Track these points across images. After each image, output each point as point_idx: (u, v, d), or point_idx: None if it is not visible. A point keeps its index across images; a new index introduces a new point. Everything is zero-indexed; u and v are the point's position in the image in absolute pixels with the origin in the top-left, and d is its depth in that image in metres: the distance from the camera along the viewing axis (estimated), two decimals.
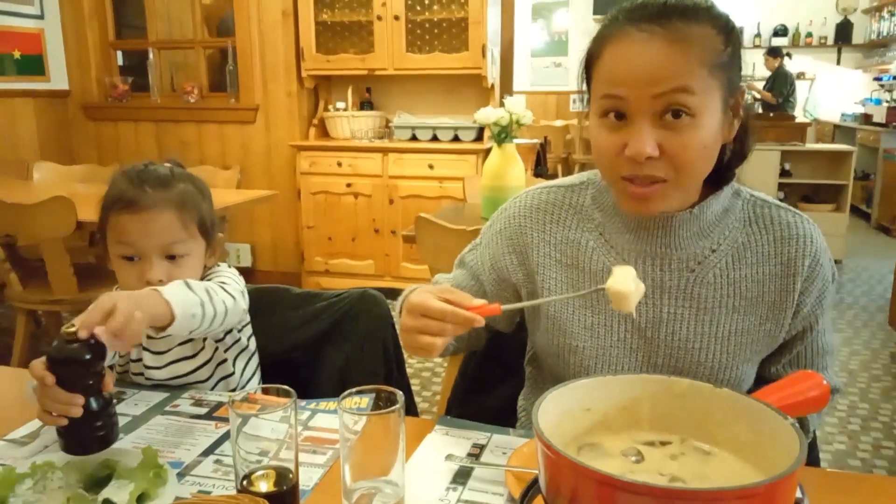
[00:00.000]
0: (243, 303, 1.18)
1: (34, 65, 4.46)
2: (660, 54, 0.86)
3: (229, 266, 1.28)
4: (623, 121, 0.89)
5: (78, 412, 0.87)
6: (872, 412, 2.90)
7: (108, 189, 1.19)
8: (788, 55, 7.24)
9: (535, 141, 4.85)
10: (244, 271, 1.29)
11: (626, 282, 0.85)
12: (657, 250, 0.99)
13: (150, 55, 4.61)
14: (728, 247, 0.99)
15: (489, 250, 1.12)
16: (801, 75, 8.04)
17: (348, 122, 4.32)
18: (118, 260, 1.16)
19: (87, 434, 0.90)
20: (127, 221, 1.14)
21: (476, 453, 0.96)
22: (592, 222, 1.05)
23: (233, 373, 1.26)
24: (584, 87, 0.97)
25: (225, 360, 1.24)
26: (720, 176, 0.97)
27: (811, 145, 5.95)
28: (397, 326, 1.00)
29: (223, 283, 1.15)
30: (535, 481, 0.61)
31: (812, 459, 1.15)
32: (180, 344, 1.21)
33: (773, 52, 7.14)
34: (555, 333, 1.06)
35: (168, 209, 1.15)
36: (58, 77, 4.60)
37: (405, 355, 1.43)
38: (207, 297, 1.07)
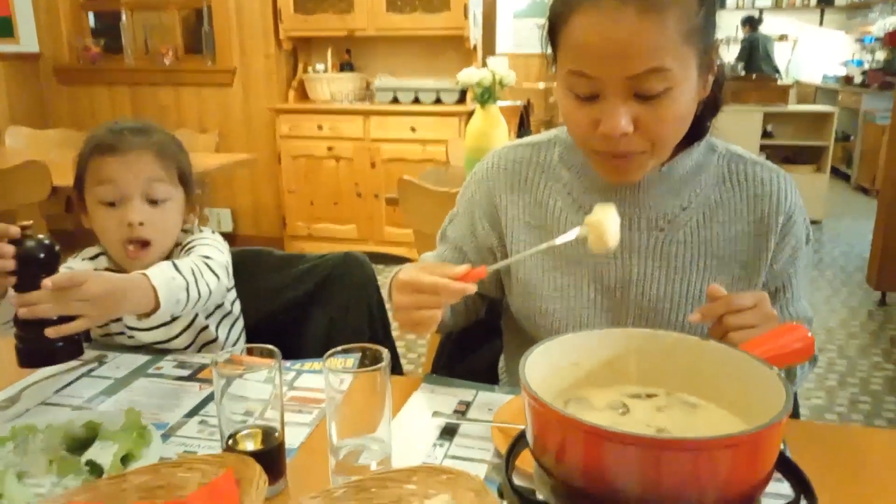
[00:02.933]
0: (227, 280, 1.17)
1: (3, 27, 4.32)
2: (632, 28, 0.79)
3: (213, 231, 1.26)
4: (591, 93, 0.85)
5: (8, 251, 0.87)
6: (850, 368, 2.96)
7: (85, 143, 1.18)
8: (759, 20, 7.23)
9: (519, 103, 4.80)
10: (225, 236, 1.28)
11: (606, 216, 0.84)
12: (625, 209, 0.97)
13: (123, 16, 4.49)
14: (699, 205, 0.98)
15: (466, 219, 1.11)
16: (783, 37, 8.02)
17: (328, 84, 4.25)
18: (98, 208, 1.15)
19: (46, 344, 0.89)
20: (108, 163, 1.13)
21: (462, 410, 0.97)
22: (560, 182, 1.03)
23: (216, 338, 1.25)
24: (549, 51, 0.92)
25: (206, 327, 1.23)
26: (692, 130, 0.93)
27: (793, 107, 5.96)
28: (388, 308, 0.98)
29: (207, 257, 1.13)
30: (522, 436, 0.61)
31: (792, 414, 1.16)
32: None
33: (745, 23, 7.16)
34: (525, 297, 1.06)
35: (148, 152, 1.15)
36: (28, 39, 4.46)
37: (389, 316, 1.43)
38: (193, 279, 1.06)
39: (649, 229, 0.98)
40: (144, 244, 1.15)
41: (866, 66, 7.23)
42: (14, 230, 0.89)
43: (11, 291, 0.90)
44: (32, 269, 0.88)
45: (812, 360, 1.05)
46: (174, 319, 1.19)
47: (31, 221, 0.91)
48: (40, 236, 0.90)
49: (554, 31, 0.89)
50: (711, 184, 0.98)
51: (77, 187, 1.18)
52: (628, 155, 0.88)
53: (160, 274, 1.01)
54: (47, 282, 0.86)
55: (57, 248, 0.91)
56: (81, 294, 0.89)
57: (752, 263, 0.99)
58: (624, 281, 1.00)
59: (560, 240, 0.91)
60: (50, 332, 0.88)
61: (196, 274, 1.07)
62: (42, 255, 0.89)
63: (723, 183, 0.98)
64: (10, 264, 0.88)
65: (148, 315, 1.00)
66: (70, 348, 0.92)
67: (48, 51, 4.54)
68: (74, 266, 1.20)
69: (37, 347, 0.90)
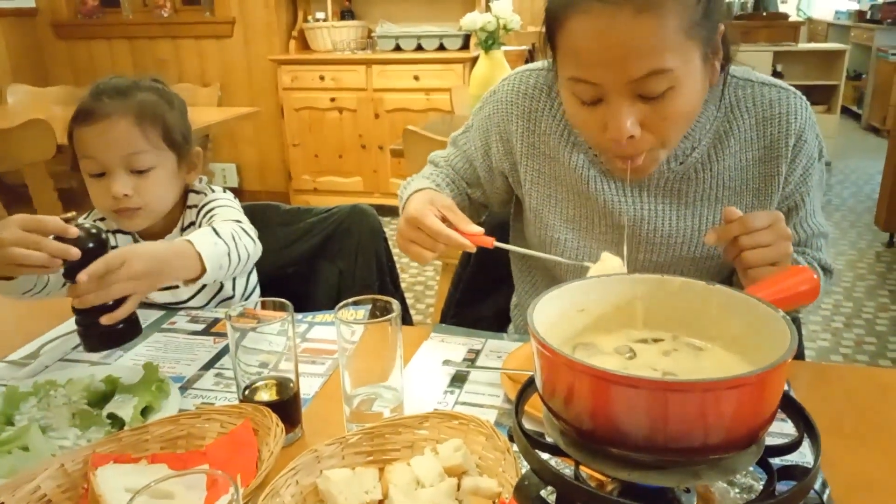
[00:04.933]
0: (259, 242, 1.16)
1: None
2: (629, 31, 0.76)
3: (225, 190, 1.26)
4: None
5: (76, 253, 0.87)
6: (856, 310, 2.97)
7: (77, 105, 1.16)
8: None
9: (524, 48, 4.71)
10: (231, 191, 1.27)
11: (609, 270, 0.84)
12: None
13: None
14: (709, 140, 0.96)
15: (480, 135, 1.10)
16: None
17: (329, 32, 4.18)
18: (87, 177, 1.14)
19: (106, 328, 0.91)
20: (86, 134, 1.11)
21: (472, 358, 0.98)
22: None
23: (232, 295, 1.26)
24: (549, 51, 0.89)
25: (222, 287, 1.24)
26: None
27: (804, 45, 5.83)
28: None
29: (239, 221, 1.14)
30: (531, 382, 0.63)
31: (797, 354, 1.18)
32: None
33: None
34: (537, 226, 1.07)
35: (125, 118, 1.11)
36: None
37: (398, 268, 1.44)
38: (234, 244, 1.06)
39: (660, 169, 0.97)
40: (133, 210, 1.13)
41: (880, 1, 7.02)
42: (73, 231, 0.88)
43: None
44: (85, 258, 0.88)
45: (828, 274, 1.05)
46: (203, 285, 1.20)
47: (73, 213, 0.92)
48: (87, 225, 0.90)
49: (551, 34, 0.86)
50: (720, 116, 0.96)
51: (72, 151, 1.17)
52: (638, 155, 0.87)
53: (203, 240, 1.02)
54: (82, 275, 0.86)
55: (104, 235, 0.91)
56: (126, 274, 0.89)
57: (765, 189, 0.98)
58: (636, 218, 1.00)
59: (565, 261, 0.99)
60: (104, 319, 0.90)
61: (236, 239, 1.07)
62: (91, 245, 0.89)
63: (731, 111, 0.97)
64: (76, 253, 0.87)
65: (194, 280, 1.02)
66: (130, 328, 0.94)
67: (45, 6, 4.47)
68: (86, 224, 1.21)
69: (97, 332, 0.91)
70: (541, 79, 1.03)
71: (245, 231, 1.12)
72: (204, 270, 1.00)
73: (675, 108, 0.82)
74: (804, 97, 0.98)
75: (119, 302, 0.91)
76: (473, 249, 0.90)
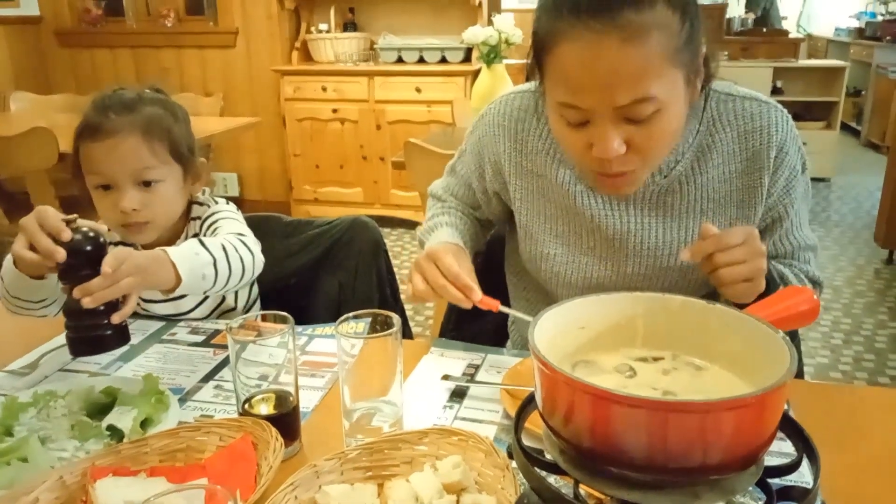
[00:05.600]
0: (261, 255, 1.16)
1: None
2: (615, 59, 0.79)
3: (228, 202, 1.26)
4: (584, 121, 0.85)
5: (61, 255, 0.87)
6: (855, 326, 2.97)
7: (80, 122, 1.15)
8: None
9: (525, 61, 4.74)
10: (231, 201, 1.27)
11: None
12: None
13: None
14: (692, 153, 0.98)
15: (473, 158, 1.14)
16: None
17: (332, 44, 4.20)
18: (94, 190, 1.14)
19: (94, 334, 0.90)
20: (93, 150, 1.11)
21: (471, 373, 0.99)
22: None
23: (234, 307, 1.26)
24: (537, 74, 0.91)
25: (224, 298, 1.24)
26: None
27: (804, 61, 5.87)
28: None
29: (241, 234, 1.13)
30: (531, 398, 0.63)
31: (796, 374, 1.18)
32: None
33: None
34: (528, 242, 1.10)
35: (133, 134, 1.11)
36: (28, 2, 4.42)
37: (398, 280, 1.44)
38: (223, 255, 1.05)
39: (646, 183, 0.99)
40: (142, 224, 1.14)
41: (879, 18, 7.06)
42: (66, 235, 0.88)
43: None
44: (80, 260, 0.88)
45: (817, 287, 1.05)
46: (205, 297, 1.20)
47: (75, 215, 0.91)
48: (85, 229, 0.90)
49: (539, 58, 0.88)
50: (702, 130, 0.98)
51: (76, 163, 1.17)
52: (622, 174, 0.89)
53: (182, 250, 1.01)
54: (107, 268, 0.86)
55: (103, 239, 0.91)
56: (130, 269, 0.89)
57: (748, 201, 0.99)
58: (622, 231, 1.02)
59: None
60: (116, 317, 0.90)
61: (227, 250, 1.06)
62: (89, 248, 0.89)
63: (713, 125, 0.98)
64: (61, 255, 0.87)
65: (171, 290, 0.99)
66: (119, 335, 0.93)
67: (49, 14, 4.50)
68: (84, 228, 1.21)
69: (88, 336, 0.91)
70: (526, 100, 1.06)
71: (243, 243, 1.11)
72: (180, 280, 0.98)
73: (660, 130, 0.85)
74: (785, 110, 1.00)
75: (113, 306, 0.90)
76: (469, 306, 0.93)
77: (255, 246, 1.14)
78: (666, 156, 0.97)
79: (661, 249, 1.01)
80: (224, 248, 1.06)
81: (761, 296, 0.87)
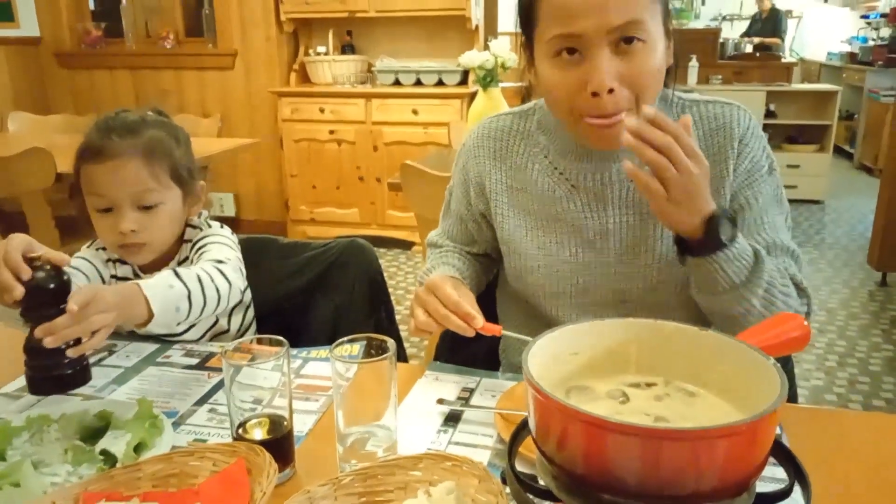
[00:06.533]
0: (241, 282, 1.16)
1: (3, 11, 4.31)
2: None
3: (222, 226, 1.26)
4: (576, 55, 0.91)
5: (19, 293, 0.86)
6: (849, 349, 2.98)
7: (82, 140, 1.17)
8: None
9: (521, 84, 4.77)
10: (227, 221, 1.28)
11: None
12: (597, 166, 1.04)
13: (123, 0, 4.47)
14: None
15: (461, 188, 1.17)
16: (788, 13, 7.94)
17: (329, 66, 4.24)
18: (93, 212, 1.15)
19: (54, 373, 0.90)
20: (95, 172, 1.12)
21: (466, 397, 0.99)
22: (538, 146, 1.09)
23: (227, 330, 1.26)
24: (522, 35, 0.97)
25: (217, 321, 1.25)
26: None
27: (797, 85, 5.93)
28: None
29: (220, 262, 1.12)
30: (525, 423, 0.63)
31: (790, 396, 1.18)
32: None
33: None
34: (512, 256, 1.12)
35: (135, 157, 1.12)
36: (28, 23, 4.45)
37: (393, 301, 1.44)
38: (198, 286, 1.04)
39: (620, 182, 1.03)
40: (139, 245, 1.14)
41: (871, 43, 7.16)
42: (25, 274, 0.87)
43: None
44: (44, 299, 0.87)
45: (802, 293, 1.03)
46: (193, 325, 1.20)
47: (40, 253, 0.90)
48: (48, 267, 0.89)
49: (531, 10, 0.94)
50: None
51: (76, 184, 1.17)
52: (615, 115, 0.91)
53: (157, 282, 1.00)
54: (73, 305, 0.85)
55: (66, 277, 0.90)
56: (99, 306, 0.88)
57: (716, 193, 1.00)
58: (602, 231, 1.05)
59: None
60: (71, 351, 0.88)
61: (203, 281, 1.05)
62: (52, 286, 0.88)
63: None
64: (19, 292, 0.86)
65: (144, 325, 0.99)
66: (80, 374, 0.92)
67: (49, 35, 4.53)
68: (88, 255, 1.21)
69: (48, 376, 0.90)
70: (503, 122, 1.13)
71: (220, 272, 1.10)
72: (152, 315, 0.97)
73: (648, 63, 0.90)
74: (748, 110, 1.05)
75: (75, 344, 0.89)
76: (472, 333, 0.95)
77: (234, 274, 1.13)
78: (651, 103, 0.97)
79: (640, 247, 1.05)
80: (199, 280, 1.06)
81: (726, 252, 0.89)
